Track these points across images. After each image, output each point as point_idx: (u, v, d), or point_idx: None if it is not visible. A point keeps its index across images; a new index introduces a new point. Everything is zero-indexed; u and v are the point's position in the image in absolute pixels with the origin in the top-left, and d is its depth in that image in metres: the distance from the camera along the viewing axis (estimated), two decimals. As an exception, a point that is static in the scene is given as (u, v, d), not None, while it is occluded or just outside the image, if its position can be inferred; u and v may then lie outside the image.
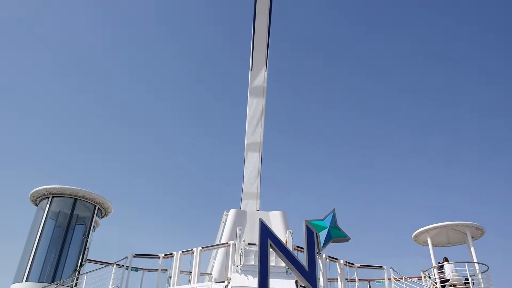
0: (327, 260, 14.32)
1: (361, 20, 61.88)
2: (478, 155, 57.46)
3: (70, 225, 15.13)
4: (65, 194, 15.29)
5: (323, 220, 13.07)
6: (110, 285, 13.40)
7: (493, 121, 55.55)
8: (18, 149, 55.38)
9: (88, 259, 14.86)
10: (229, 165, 57.59)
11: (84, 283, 13.59)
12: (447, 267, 15.53)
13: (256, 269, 11.34)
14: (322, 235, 12.78)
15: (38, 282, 13.85)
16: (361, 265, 15.10)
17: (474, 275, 14.93)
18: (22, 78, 56.11)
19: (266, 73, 18.83)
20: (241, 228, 14.55)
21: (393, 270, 14.98)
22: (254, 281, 11.95)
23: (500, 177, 52.88)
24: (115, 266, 13.96)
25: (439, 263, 15.91)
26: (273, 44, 18.37)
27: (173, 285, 13.47)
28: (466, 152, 57.08)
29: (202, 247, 14.14)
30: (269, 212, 19.10)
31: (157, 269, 14.34)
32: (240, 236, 13.92)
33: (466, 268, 14.81)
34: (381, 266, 15.29)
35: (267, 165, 23.19)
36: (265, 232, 11.71)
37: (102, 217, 16.41)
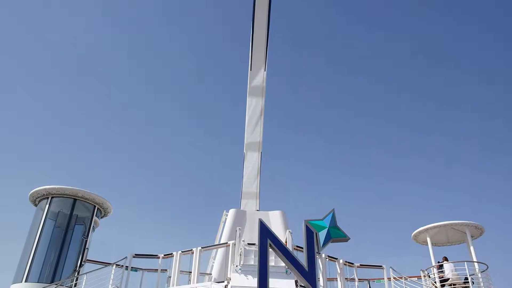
0: (327, 259, 14.32)
1: (361, 19, 62.02)
2: (478, 155, 57.55)
3: (69, 225, 15.13)
4: (64, 195, 15.29)
5: (322, 220, 13.09)
6: (110, 285, 13.40)
7: (493, 121, 55.65)
8: (18, 149, 55.45)
9: (87, 259, 14.85)
10: (229, 165, 57.69)
11: (83, 283, 13.59)
12: (447, 266, 15.54)
13: (256, 269, 11.36)
14: (322, 235, 12.80)
15: (38, 282, 13.86)
16: (360, 265, 15.12)
17: (473, 274, 14.94)
18: (22, 78, 56.17)
19: (265, 72, 18.86)
20: (240, 228, 14.53)
21: (393, 269, 14.99)
22: (253, 281, 11.96)
23: (500, 177, 53.01)
24: (114, 266, 13.96)
25: (438, 262, 15.92)
26: (273, 42, 18.43)
27: (173, 285, 13.46)
28: (466, 152, 57.18)
29: (202, 247, 14.14)
30: (269, 212, 19.11)
31: (157, 269, 14.34)
32: (240, 236, 13.90)
33: (466, 267, 14.82)
34: (381, 266, 15.31)
35: (267, 165, 23.24)
36: (265, 232, 11.71)
37: (101, 217, 16.41)
